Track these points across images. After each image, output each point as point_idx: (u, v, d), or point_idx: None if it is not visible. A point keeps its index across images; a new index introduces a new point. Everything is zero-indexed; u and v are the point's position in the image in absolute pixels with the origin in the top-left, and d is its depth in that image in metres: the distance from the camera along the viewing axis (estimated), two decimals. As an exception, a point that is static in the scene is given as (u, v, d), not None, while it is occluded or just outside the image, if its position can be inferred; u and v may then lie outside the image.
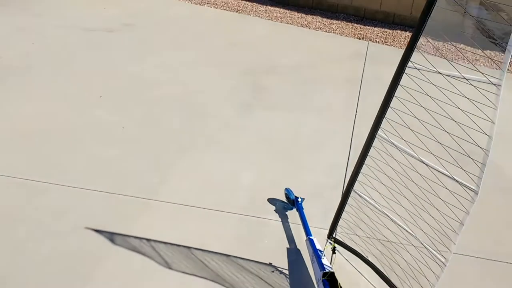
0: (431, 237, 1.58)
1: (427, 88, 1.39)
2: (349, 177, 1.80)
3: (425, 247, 1.56)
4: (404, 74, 1.45)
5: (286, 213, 2.62)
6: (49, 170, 2.76)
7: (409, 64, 1.45)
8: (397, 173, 1.64)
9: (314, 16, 6.77)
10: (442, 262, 1.46)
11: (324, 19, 6.63)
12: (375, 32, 6.09)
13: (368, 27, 6.28)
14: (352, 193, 1.83)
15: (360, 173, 1.79)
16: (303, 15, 6.86)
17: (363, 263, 1.82)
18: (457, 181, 1.35)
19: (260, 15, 6.78)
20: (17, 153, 2.91)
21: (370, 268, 1.80)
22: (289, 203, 2.65)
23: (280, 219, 2.56)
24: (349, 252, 1.91)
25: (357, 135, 3.42)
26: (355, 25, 6.39)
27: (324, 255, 2.03)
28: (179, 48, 5.10)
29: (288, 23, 6.45)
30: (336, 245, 1.98)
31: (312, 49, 5.38)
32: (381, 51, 5.41)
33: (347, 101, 3.99)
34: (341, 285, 1.81)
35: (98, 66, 4.38)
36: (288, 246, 2.34)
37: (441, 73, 1.33)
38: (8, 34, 5.14)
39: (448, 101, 1.35)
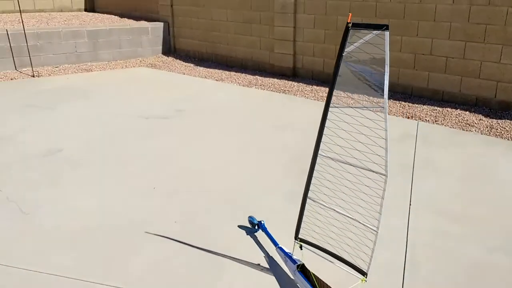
0: (365, 216, 2.36)
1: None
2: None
3: (363, 224, 2.36)
4: (329, 111, 2.33)
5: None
6: (106, 270, 2.78)
7: (331, 105, 2.31)
8: (335, 177, 2.41)
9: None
10: (375, 230, 2.34)
11: (371, 98, 6.65)
12: (424, 110, 6.02)
13: (416, 105, 6.23)
14: (308, 200, 2.56)
15: (311, 184, 2.51)
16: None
17: (323, 251, 2.56)
18: (373, 171, 2.21)
19: (307, 95, 6.92)
20: (75, 252, 2.97)
21: (328, 255, 2.52)
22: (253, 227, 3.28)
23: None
24: (312, 247, 2.64)
25: (414, 229, 3.26)
26: (403, 103, 6.36)
27: (293, 254, 2.75)
28: (227, 133, 5.22)
29: (334, 103, 6.52)
30: (301, 243, 2.71)
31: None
32: (432, 131, 5.31)
33: (399, 189, 3.86)
34: (312, 272, 2.60)
35: (152, 154, 4.54)
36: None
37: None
38: (69, 124, 5.48)
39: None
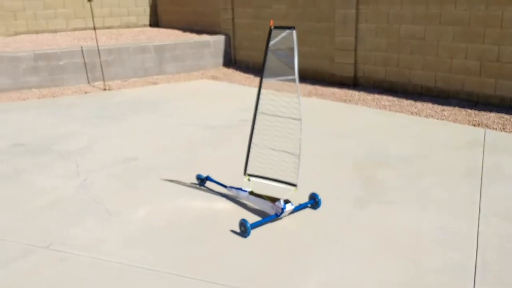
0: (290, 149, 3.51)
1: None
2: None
3: (291, 153, 3.54)
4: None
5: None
6: (187, 264, 2.97)
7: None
8: (270, 127, 3.53)
9: (424, 103, 6.74)
10: (297, 154, 3.47)
11: (435, 106, 6.56)
12: (491, 118, 5.87)
13: (483, 113, 6.09)
14: (252, 145, 3.71)
15: (253, 133, 3.68)
16: (412, 102, 6.86)
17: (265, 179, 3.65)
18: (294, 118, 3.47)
19: (368, 104, 6.92)
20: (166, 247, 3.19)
21: (269, 180, 3.64)
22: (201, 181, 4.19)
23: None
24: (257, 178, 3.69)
25: (483, 233, 3.24)
26: (469, 111, 6.23)
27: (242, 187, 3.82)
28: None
29: (397, 111, 6.49)
30: (249, 177, 3.75)
31: (425, 138, 5.32)
32: (500, 139, 5.18)
33: (468, 196, 3.82)
34: (260, 193, 3.64)
35: (221, 160, 4.75)
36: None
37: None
38: (141, 134, 5.83)
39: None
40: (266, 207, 3.56)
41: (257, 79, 9.15)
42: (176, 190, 4.09)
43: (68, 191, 4.11)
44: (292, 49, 3.34)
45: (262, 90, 3.64)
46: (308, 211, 3.64)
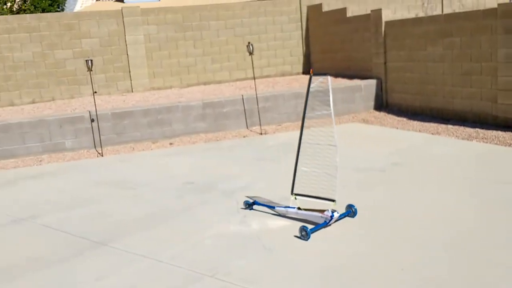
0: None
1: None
2: None
3: (330, 175, 4.32)
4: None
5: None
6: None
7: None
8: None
9: None
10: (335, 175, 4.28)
11: None
12: None
13: None
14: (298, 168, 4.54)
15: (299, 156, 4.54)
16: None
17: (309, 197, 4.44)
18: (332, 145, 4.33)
19: (540, 149, 6.25)
20: None
21: (313, 198, 4.43)
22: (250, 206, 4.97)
23: None
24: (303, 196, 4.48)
25: None
26: None
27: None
28: (445, 186, 5.11)
29: None
30: (296, 196, 4.57)
31: None
32: None
33: None
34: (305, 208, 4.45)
35: (374, 205, 4.76)
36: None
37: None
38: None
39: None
40: (316, 217, 4.31)
41: (411, 122, 8.91)
42: (333, 231, 4.21)
43: (229, 227, 4.54)
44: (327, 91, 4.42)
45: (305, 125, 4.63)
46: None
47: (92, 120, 8.65)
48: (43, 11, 17.34)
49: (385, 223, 4.31)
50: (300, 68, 13.40)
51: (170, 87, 12.21)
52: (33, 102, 11.09)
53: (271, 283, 3.41)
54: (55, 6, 18.29)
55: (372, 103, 10.35)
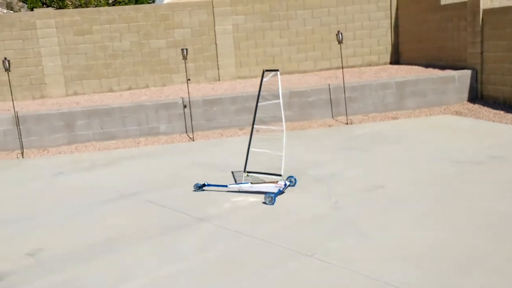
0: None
1: None
2: None
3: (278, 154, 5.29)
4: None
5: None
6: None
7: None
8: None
9: None
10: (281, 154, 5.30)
11: None
12: None
13: None
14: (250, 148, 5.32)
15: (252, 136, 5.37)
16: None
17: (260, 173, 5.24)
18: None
19: None
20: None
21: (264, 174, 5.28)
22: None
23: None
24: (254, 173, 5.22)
25: None
26: None
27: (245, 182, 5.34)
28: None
29: None
30: (248, 173, 5.36)
31: None
32: None
33: None
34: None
35: (467, 198, 4.61)
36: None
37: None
38: (385, 164, 6.07)
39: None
40: (270, 187, 5.10)
41: (509, 116, 8.40)
42: (424, 220, 4.16)
43: (324, 210, 4.63)
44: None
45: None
46: None
47: (185, 106, 9.10)
48: (136, 3, 18.34)
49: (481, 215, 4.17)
50: (387, 58, 13.06)
51: (256, 76, 12.46)
52: (129, 89, 11.85)
53: (366, 263, 3.46)
54: (147, -1, 19.28)
55: (465, 95, 9.86)
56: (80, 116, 8.75)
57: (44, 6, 17.02)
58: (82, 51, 11.44)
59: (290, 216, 4.55)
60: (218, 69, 12.21)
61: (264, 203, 4.91)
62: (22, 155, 8.27)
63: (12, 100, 9.22)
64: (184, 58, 8.59)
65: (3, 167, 7.62)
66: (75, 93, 11.58)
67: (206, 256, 3.84)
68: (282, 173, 5.19)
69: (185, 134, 9.12)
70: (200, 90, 10.67)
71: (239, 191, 5.32)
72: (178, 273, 3.59)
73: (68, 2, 17.47)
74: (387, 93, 9.68)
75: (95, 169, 7.08)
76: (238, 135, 8.89)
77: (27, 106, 10.02)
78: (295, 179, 5.40)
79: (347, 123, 9.07)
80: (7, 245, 4.40)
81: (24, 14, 11.28)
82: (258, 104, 5.45)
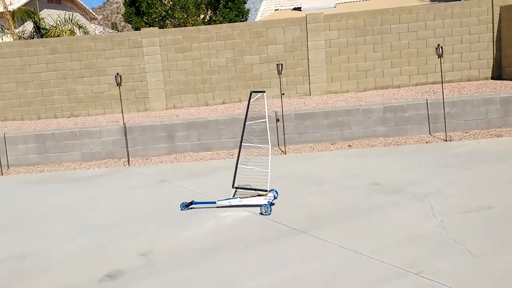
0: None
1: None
2: None
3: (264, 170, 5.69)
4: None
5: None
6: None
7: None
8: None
9: None
10: (267, 171, 5.70)
11: None
12: None
13: None
14: (238, 165, 5.71)
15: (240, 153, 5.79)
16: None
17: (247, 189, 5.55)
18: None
19: None
20: None
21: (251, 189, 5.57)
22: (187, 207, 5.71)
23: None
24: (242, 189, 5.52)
25: None
26: None
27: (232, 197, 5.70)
28: None
29: None
30: (236, 189, 5.70)
31: None
32: None
33: None
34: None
35: None
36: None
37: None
38: (487, 184, 5.72)
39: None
40: (260, 200, 5.47)
41: None
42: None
43: (428, 229, 4.47)
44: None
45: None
46: None
47: (277, 120, 9.27)
48: (230, 21, 19.09)
49: None
50: (488, 73, 12.32)
51: (347, 91, 12.37)
52: (223, 103, 12.33)
53: (478, 285, 3.29)
54: (240, 17, 19.98)
55: None
56: (180, 128, 9.27)
57: (147, 26, 18.31)
58: (181, 67, 12.14)
59: (393, 234, 4.45)
60: (309, 83, 12.30)
61: (261, 213, 5.27)
62: (128, 163, 8.93)
63: (122, 112, 10.02)
64: (279, 73, 8.79)
65: (112, 173, 8.28)
66: (174, 107, 12.28)
67: (308, 267, 3.88)
68: (267, 189, 5.56)
69: (277, 147, 9.28)
70: (292, 104, 10.81)
71: (230, 206, 5.56)
72: (278, 282, 3.66)
73: (168, 22, 18.65)
74: (491, 109, 9.13)
75: (193, 178, 7.44)
76: (330, 150, 8.88)
77: (132, 118, 10.81)
78: (276, 192, 5.67)
79: (446, 140, 8.68)
80: (122, 245, 4.78)
81: (132, 33, 12.24)
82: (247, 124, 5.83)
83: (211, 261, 4.16)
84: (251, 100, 5.62)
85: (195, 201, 5.76)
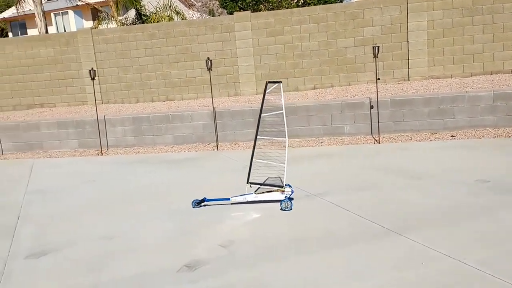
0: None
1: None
2: None
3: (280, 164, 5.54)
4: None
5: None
6: None
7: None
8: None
9: None
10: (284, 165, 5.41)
11: None
12: None
13: None
14: (253, 159, 5.39)
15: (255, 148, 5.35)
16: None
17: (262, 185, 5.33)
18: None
19: None
20: None
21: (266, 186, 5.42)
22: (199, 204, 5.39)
23: None
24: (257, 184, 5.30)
25: None
26: None
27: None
28: None
29: None
30: (251, 184, 5.37)
31: None
32: None
33: None
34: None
35: None
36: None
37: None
38: None
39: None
40: (276, 195, 5.18)
41: None
42: None
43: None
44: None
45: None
46: None
47: (371, 107, 8.70)
48: (325, 3, 18.46)
49: None
50: None
51: (450, 76, 11.32)
52: (314, 88, 11.92)
53: None
54: (335, -1, 19.25)
55: None
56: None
57: (241, 10, 18.33)
58: (272, 51, 11.91)
59: (505, 242, 3.85)
60: (408, 68, 11.43)
61: (282, 209, 5.02)
62: (217, 147, 8.95)
63: (212, 97, 10.07)
64: (375, 56, 8.20)
65: (203, 158, 8.34)
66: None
67: (402, 276, 3.46)
68: (284, 184, 5.26)
69: (370, 136, 8.74)
70: (388, 90, 10.12)
71: (245, 202, 5.28)
72: (369, 289, 3.30)
73: (262, 7, 18.49)
74: None
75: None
76: (430, 140, 8.15)
77: (222, 103, 10.85)
78: (291, 186, 5.34)
79: None
80: (205, 232, 4.69)
81: (225, 18, 12.23)
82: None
83: (294, 259, 3.90)
84: (267, 91, 5.24)
85: (207, 198, 5.46)
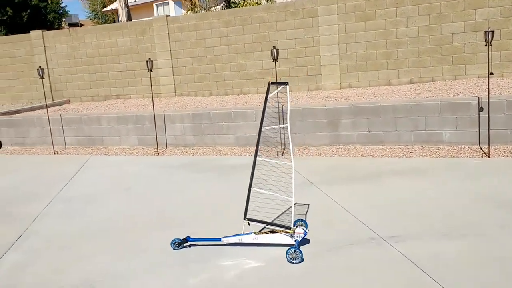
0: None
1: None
2: None
3: (286, 198, 4.16)
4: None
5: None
6: None
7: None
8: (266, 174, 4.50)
9: None
10: (291, 200, 3.95)
11: None
12: None
13: None
14: (251, 192, 3.98)
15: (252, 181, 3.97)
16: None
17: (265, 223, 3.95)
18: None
19: None
20: None
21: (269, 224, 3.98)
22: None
23: None
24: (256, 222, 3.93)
25: None
26: None
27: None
28: None
29: None
30: (249, 221, 3.93)
31: None
32: None
33: None
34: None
35: None
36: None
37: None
38: None
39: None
40: (284, 239, 3.81)
41: None
42: None
43: None
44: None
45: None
46: None
47: (481, 109, 6.74)
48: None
49: None
50: None
51: None
52: (410, 83, 10.00)
53: None
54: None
55: None
56: (346, 114, 7.52)
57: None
58: (361, 39, 10.19)
59: None
60: (535, 59, 9.04)
61: (289, 261, 3.60)
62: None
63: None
64: (488, 44, 6.23)
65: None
66: (349, 86, 10.48)
67: None
68: (292, 225, 3.89)
69: (477, 146, 6.80)
70: (505, 87, 7.96)
71: (240, 244, 3.95)
72: None
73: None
74: None
75: (349, 183, 5.70)
76: (562, 157, 6.02)
77: (298, 99, 9.46)
78: (306, 224, 4.11)
79: None
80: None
81: (308, 1, 10.72)
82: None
83: None
84: (269, 94, 3.93)
85: (191, 237, 4.10)
